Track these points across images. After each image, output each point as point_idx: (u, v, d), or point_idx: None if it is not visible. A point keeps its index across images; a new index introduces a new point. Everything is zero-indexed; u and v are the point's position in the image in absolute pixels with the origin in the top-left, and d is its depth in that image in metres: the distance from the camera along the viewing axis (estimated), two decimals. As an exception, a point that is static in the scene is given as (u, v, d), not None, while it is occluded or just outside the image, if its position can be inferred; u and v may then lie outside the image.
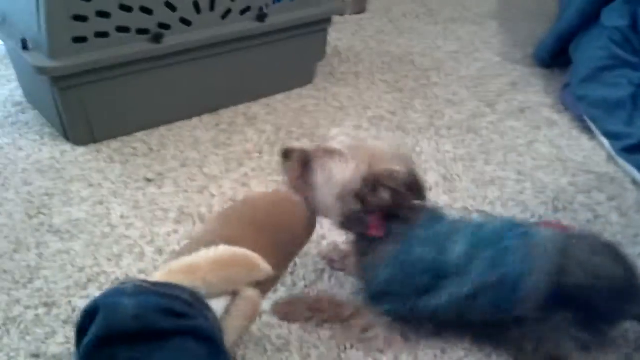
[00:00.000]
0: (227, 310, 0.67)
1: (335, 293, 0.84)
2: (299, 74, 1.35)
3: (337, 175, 0.74)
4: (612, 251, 0.73)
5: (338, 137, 0.78)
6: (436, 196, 1.01)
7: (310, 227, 0.79)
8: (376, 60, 1.47)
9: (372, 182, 0.73)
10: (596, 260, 0.70)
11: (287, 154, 0.80)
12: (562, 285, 0.68)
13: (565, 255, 0.69)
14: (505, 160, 1.12)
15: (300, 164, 0.78)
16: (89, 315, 0.61)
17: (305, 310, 0.80)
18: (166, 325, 0.61)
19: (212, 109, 1.26)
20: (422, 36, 1.61)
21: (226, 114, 1.25)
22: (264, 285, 0.70)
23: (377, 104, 1.29)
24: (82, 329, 0.61)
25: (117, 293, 0.62)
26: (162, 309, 0.62)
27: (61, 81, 1.07)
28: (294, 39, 1.29)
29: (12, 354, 0.74)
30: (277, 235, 0.73)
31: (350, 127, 1.21)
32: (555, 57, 1.41)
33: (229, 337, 0.66)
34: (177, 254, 0.71)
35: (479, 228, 0.74)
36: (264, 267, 0.68)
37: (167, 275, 0.66)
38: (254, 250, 0.68)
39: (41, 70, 1.05)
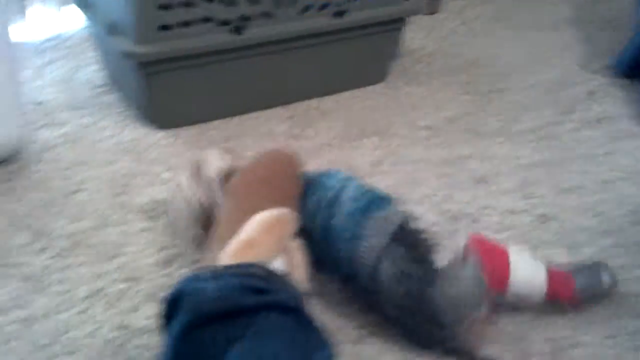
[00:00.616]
0: (286, 267, 0.70)
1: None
2: (372, 72, 1.36)
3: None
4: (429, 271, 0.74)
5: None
6: (513, 202, 1.01)
7: (298, 169, 0.85)
8: (450, 62, 1.46)
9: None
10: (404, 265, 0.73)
11: None
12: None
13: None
14: (583, 169, 1.10)
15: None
16: (173, 303, 0.63)
17: None
18: (249, 303, 0.63)
19: (286, 101, 1.28)
20: (497, 40, 1.59)
21: (299, 107, 1.27)
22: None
23: (451, 105, 1.29)
24: (167, 317, 0.64)
25: (195, 279, 0.65)
26: (242, 287, 0.64)
27: (146, 67, 1.10)
28: (369, 37, 1.29)
29: (98, 324, 0.77)
30: (285, 187, 0.79)
31: (424, 127, 1.21)
32: (635, 68, 1.38)
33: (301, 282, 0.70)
34: (218, 240, 0.73)
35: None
36: (294, 218, 0.73)
37: (231, 258, 0.68)
38: (278, 206, 0.72)
39: (127, 55, 1.08)
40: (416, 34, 1.58)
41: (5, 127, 1.02)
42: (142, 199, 0.99)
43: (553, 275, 0.77)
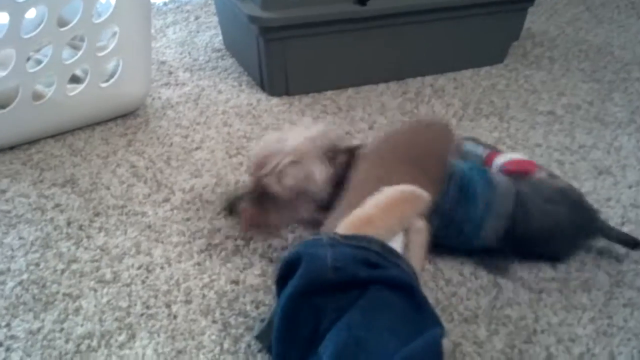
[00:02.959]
0: (405, 247, 0.69)
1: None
2: (490, 52, 1.31)
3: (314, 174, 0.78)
4: (566, 197, 0.81)
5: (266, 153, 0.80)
6: (637, 194, 0.96)
7: (450, 146, 0.81)
8: (572, 48, 1.40)
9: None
10: (547, 208, 0.79)
11: (232, 207, 0.85)
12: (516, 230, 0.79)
13: (520, 204, 0.79)
14: None
15: (255, 201, 0.80)
16: (290, 265, 0.64)
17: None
18: (362, 276, 0.63)
19: (399, 77, 1.26)
20: (623, 28, 1.51)
21: (413, 84, 1.25)
22: (423, 213, 0.72)
23: (573, 91, 1.23)
24: (282, 278, 0.65)
25: (313, 244, 0.65)
26: (358, 259, 0.64)
27: (269, 32, 1.12)
28: (492, 15, 1.25)
29: (214, 277, 0.79)
30: (424, 162, 0.76)
31: (544, 112, 1.16)
32: None
33: (415, 267, 0.68)
34: (346, 205, 0.72)
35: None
36: (425, 196, 0.70)
37: (347, 230, 0.68)
38: (409, 182, 0.70)
39: (253, 20, 1.10)
40: (537, 18, 1.53)
41: (136, 81, 1.06)
42: (257, 161, 1.00)
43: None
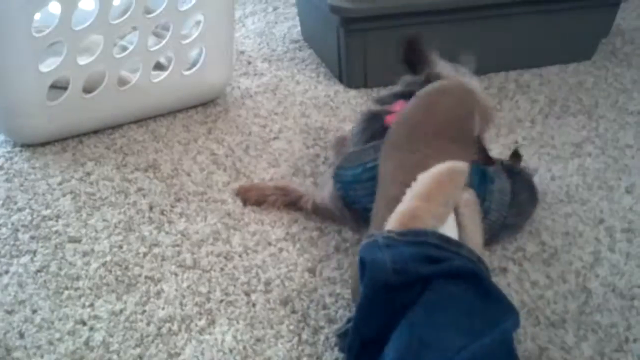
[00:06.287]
0: (459, 224, 0.66)
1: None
2: (578, 48, 1.26)
3: None
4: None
5: None
6: None
7: (471, 105, 0.77)
8: (666, 45, 1.33)
9: None
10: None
11: None
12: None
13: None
14: None
15: None
16: (360, 272, 0.64)
17: (261, 194, 0.88)
18: (425, 272, 0.61)
19: (482, 71, 1.22)
20: None
21: (496, 79, 1.21)
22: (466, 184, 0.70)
23: (667, 91, 1.17)
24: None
25: (372, 246, 0.64)
26: (417, 257, 0.62)
27: (350, 23, 1.10)
28: (582, 10, 1.20)
29: (291, 267, 0.79)
30: (451, 131, 0.73)
31: (634, 112, 1.10)
32: None
33: (475, 244, 0.66)
34: (383, 202, 0.70)
35: None
36: (463, 167, 0.67)
37: (398, 227, 0.65)
38: (448, 157, 0.67)
39: (335, 10, 1.09)
40: (627, 14, 1.45)
41: (218, 70, 1.07)
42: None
43: None
